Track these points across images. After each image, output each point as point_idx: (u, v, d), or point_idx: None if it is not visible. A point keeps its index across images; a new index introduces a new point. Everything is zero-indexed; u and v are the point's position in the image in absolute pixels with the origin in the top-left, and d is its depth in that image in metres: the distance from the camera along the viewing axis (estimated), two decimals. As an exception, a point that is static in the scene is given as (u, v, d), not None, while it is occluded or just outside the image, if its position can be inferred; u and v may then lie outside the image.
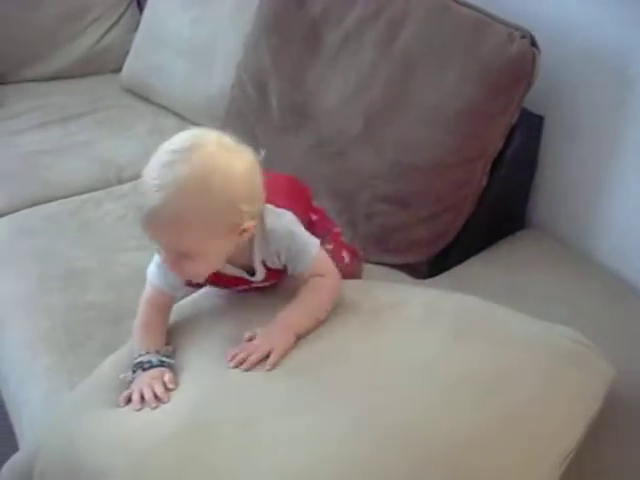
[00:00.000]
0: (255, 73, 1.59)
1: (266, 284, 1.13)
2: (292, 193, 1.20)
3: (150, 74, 1.99)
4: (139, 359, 1.05)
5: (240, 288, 1.14)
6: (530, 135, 1.43)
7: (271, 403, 0.94)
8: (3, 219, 1.62)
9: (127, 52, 2.10)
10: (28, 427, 1.20)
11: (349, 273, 1.21)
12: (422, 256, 1.43)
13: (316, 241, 1.10)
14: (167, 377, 1.01)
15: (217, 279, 1.11)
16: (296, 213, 1.11)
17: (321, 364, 1.00)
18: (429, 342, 1.02)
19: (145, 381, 1.01)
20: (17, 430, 1.29)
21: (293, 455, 0.85)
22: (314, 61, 1.49)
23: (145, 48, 2.01)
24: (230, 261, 1.08)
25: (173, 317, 1.13)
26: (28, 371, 1.29)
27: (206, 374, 1.00)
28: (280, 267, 1.10)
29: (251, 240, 1.06)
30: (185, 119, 1.92)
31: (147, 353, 1.05)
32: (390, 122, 1.38)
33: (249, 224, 1.00)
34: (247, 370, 0.99)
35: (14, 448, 1.15)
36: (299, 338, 1.03)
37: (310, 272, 1.09)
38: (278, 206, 1.09)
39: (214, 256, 1.03)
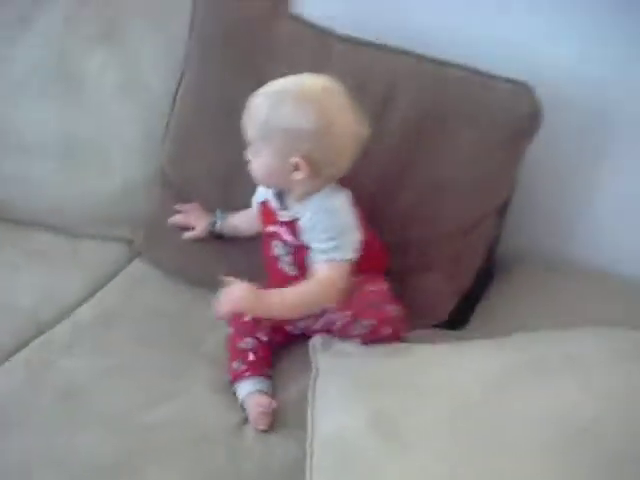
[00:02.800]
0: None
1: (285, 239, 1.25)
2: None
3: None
4: None
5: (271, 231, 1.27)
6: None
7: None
8: None
9: None
10: None
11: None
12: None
13: (346, 254, 1.19)
14: None
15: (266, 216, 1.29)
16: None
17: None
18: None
19: None
20: None
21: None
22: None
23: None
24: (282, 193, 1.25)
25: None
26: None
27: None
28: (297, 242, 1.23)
29: (303, 195, 1.21)
30: (67, 232, 1.58)
31: None
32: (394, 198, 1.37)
33: (297, 160, 1.15)
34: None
35: None
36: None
37: (315, 269, 1.20)
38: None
39: (264, 163, 1.19)
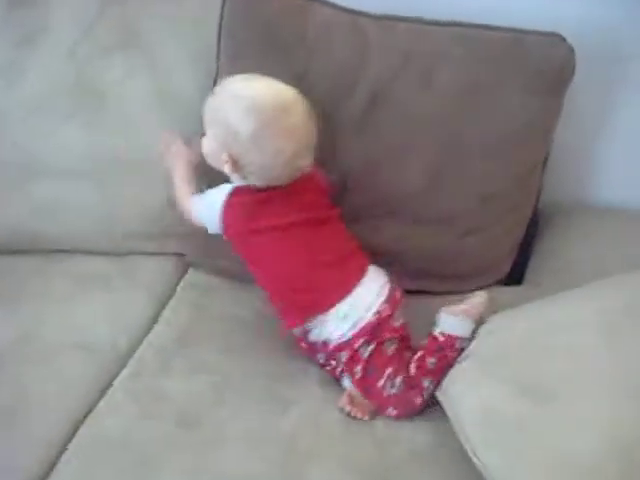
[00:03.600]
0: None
1: None
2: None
3: (27, 221, 1.51)
4: None
5: None
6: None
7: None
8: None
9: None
10: None
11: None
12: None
13: (202, 210, 1.32)
14: None
15: None
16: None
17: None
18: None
19: None
20: None
21: None
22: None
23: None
24: None
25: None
26: None
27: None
28: None
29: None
30: (112, 253, 1.53)
31: None
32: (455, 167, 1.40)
33: (225, 157, 1.21)
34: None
35: None
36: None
37: None
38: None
39: (207, 144, 1.26)
